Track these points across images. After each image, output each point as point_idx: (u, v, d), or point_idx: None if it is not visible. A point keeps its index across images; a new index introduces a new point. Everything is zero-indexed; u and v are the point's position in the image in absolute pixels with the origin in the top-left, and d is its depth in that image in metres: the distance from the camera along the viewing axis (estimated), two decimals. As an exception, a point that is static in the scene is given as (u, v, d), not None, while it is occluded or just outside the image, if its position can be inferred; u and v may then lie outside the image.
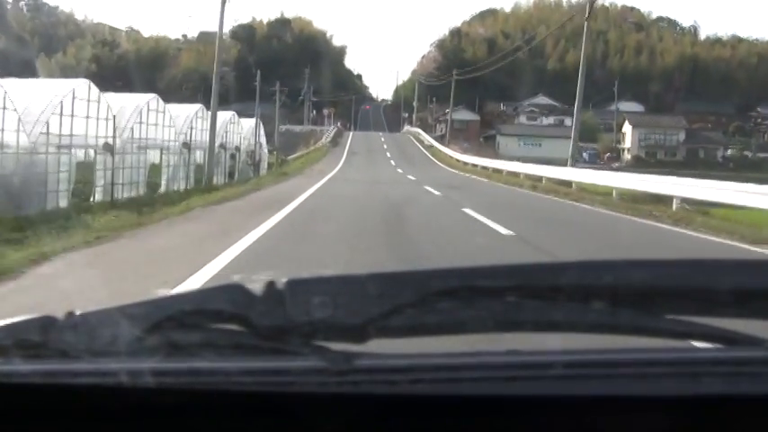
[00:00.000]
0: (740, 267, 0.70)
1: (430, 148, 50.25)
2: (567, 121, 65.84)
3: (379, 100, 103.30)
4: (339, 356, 0.63)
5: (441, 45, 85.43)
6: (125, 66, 65.99)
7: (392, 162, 38.05)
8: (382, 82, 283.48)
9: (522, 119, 67.33)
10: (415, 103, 70.69)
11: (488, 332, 0.66)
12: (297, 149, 47.58)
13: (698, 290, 0.67)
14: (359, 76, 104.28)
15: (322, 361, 0.63)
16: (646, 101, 71.56)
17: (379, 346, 0.65)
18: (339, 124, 65.00)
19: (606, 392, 0.63)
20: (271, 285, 0.65)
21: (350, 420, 0.63)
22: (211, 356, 0.64)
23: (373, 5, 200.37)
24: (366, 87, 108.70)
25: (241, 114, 29.82)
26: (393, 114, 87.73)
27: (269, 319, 0.64)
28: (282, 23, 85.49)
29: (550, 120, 66.48)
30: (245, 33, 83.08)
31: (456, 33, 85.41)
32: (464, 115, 67.54)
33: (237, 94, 71.36)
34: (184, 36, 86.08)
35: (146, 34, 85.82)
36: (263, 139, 32.03)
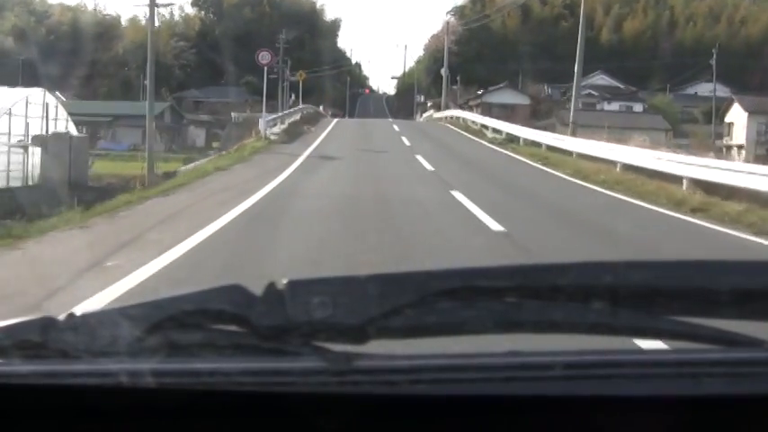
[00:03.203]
0: (740, 268, 0.88)
1: (506, 145, 28.54)
2: (637, 107, 61.49)
3: (381, 93, 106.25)
4: (339, 357, 0.81)
5: (460, 14, 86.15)
6: (54, 40, 66.92)
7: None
8: (383, 74, 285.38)
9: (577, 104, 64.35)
10: (444, 72, 61.11)
11: (488, 333, 0.84)
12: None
13: (698, 290, 0.85)
14: (357, 65, 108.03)
15: (322, 361, 0.80)
16: (730, 81, 70.58)
17: (379, 346, 0.83)
18: (322, 108, 56.96)
19: (606, 393, 0.81)
20: (271, 286, 0.83)
21: (350, 420, 0.81)
22: (212, 357, 0.82)
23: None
24: (366, 78, 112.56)
25: (199, 105, 26.89)
26: (400, 103, 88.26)
27: (269, 320, 0.82)
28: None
29: (614, 106, 61.82)
30: (212, 0, 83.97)
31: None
32: (508, 97, 60.75)
33: (200, 77, 72.02)
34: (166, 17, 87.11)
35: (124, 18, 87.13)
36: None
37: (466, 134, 35.36)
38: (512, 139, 29.77)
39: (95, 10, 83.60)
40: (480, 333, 0.85)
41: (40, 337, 0.83)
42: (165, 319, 0.83)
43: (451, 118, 45.33)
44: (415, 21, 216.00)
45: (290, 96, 51.21)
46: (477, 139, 32.29)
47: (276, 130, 30.72)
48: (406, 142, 27.92)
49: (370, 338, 0.83)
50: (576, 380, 0.81)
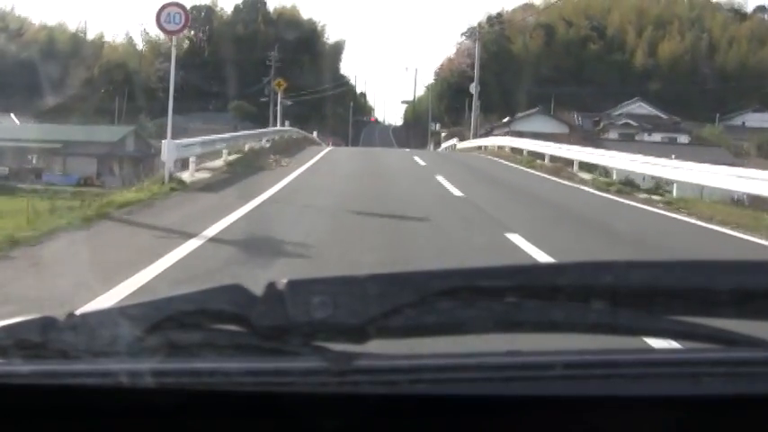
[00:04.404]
0: (740, 267, 0.96)
1: (634, 195, 17.45)
2: (681, 138, 58.49)
3: (386, 124, 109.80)
4: (339, 357, 0.88)
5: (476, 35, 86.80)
6: (26, 60, 67.80)
7: None
8: (389, 105, 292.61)
9: (613, 134, 59.50)
10: (474, 89, 49.96)
11: (488, 332, 0.92)
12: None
13: (697, 290, 0.93)
14: (363, 95, 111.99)
15: (322, 361, 0.88)
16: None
17: (379, 346, 0.90)
18: (317, 135, 48.93)
19: (606, 392, 0.88)
20: (271, 286, 0.92)
21: (350, 420, 0.88)
22: (211, 357, 0.89)
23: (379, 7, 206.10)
24: (371, 108, 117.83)
25: (184, 131, 25.63)
26: (409, 132, 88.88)
27: (269, 320, 0.89)
28: (253, 4, 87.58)
29: (656, 137, 58.28)
30: (203, 17, 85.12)
31: (496, 20, 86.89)
32: (540, 124, 56.44)
33: (188, 100, 72.42)
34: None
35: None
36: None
37: (540, 174, 23.53)
38: (630, 183, 19.36)
39: (78, 30, 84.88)
40: (480, 333, 0.93)
41: (40, 337, 0.90)
42: (165, 319, 0.90)
43: (485, 148, 37.47)
44: (423, 46, 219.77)
45: (286, 123, 49.34)
46: (572, 184, 20.25)
47: (218, 163, 20.47)
48: (454, 191, 15.82)
49: (370, 338, 0.90)
50: (576, 380, 0.88)
